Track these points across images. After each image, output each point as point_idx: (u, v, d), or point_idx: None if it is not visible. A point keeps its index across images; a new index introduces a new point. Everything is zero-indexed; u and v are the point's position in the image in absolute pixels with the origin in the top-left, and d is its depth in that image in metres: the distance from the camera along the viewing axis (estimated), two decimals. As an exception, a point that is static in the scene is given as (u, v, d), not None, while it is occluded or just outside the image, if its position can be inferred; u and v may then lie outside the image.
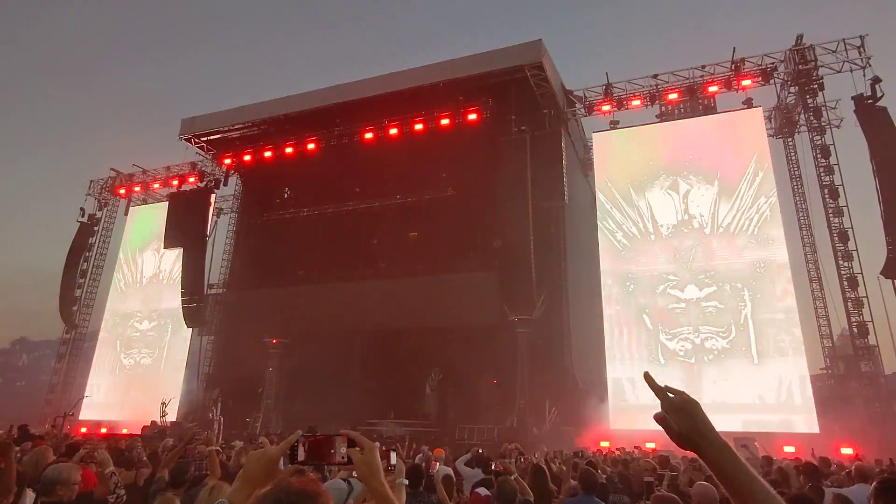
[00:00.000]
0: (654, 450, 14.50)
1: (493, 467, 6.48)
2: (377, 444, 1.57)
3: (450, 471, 6.40)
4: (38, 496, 3.52)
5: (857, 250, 19.56)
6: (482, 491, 5.37)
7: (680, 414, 1.23)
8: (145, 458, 7.13)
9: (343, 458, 1.53)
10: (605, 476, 6.91)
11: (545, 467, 6.38)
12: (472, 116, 23.12)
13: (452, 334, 23.55)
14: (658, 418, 1.23)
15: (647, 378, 1.35)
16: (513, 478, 4.89)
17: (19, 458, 4.79)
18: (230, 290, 28.52)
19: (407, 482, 2.92)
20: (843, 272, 19.69)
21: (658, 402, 1.34)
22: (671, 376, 19.76)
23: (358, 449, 1.52)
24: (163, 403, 24.72)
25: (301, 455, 1.53)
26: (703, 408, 1.27)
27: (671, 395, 1.28)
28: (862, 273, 19.39)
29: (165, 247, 30.09)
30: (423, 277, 24.14)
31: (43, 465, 4.74)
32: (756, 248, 20.58)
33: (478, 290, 22.25)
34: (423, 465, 6.43)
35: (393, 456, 1.86)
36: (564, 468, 7.79)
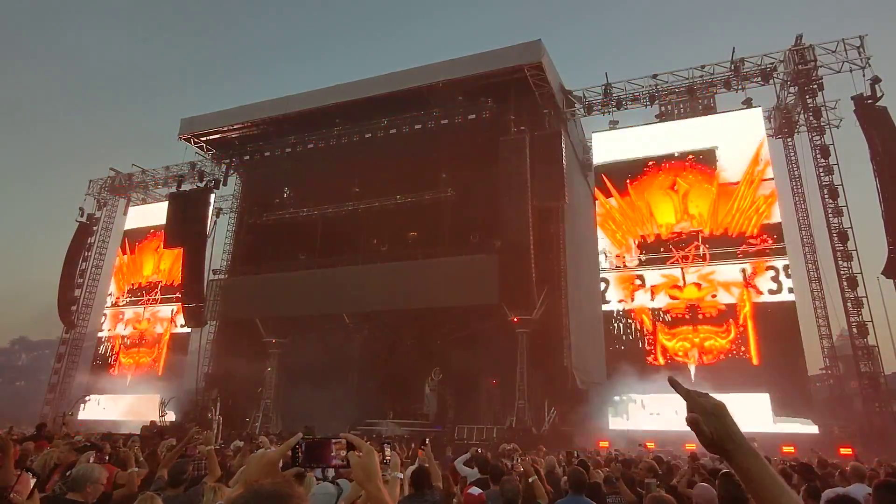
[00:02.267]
0: (652, 450, 14.50)
1: (511, 466, 6.43)
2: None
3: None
4: (62, 491, 3.57)
5: (856, 250, 19.57)
6: (475, 490, 5.34)
7: (710, 418, 1.19)
8: (143, 459, 7.12)
9: (341, 460, 1.52)
10: (604, 475, 6.90)
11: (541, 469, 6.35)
12: (472, 116, 23.11)
13: (452, 327, 23.59)
14: (690, 421, 1.21)
15: (673, 382, 1.32)
16: (531, 480, 4.83)
17: (22, 457, 4.79)
18: (231, 277, 28.45)
19: (401, 476, 2.91)
20: (842, 272, 19.69)
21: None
22: (672, 373, 19.71)
23: (356, 452, 1.51)
24: (162, 403, 24.73)
25: (300, 458, 1.53)
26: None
27: (699, 397, 1.24)
28: (861, 273, 19.42)
29: (165, 247, 30.08)
30: (422, 261, 24.01)
31: (49, 466, 4.76)
32: (755, 247, 20.60)
33: (476, 272, 22.10)
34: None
35: (387, 450, 1.86)
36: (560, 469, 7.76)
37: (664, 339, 20.85)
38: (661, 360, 20.50)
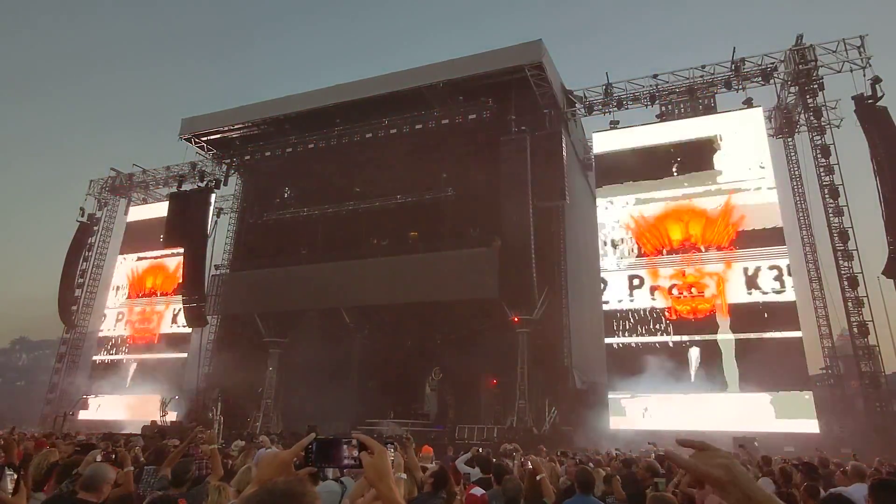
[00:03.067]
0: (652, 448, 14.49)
1: (521, 463, 6.43)
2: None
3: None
4: (74, 491, 3.58)
5: (857, 250, 19.57)
6: (477, 491, 5.34)
7: (729, 487, 1.07)
8: (142, 459, 7.11)
9: (353, 460, 1.53)
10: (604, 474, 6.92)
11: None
12: (472, 116, 23.11)
13: (453, 326, 23.59)
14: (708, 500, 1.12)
15: (671, 456, 1.18)
16: (538, 478, 4.81)
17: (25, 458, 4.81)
18: (232, 272, 28.46)
19: (404, 477, 2.91)
20: (843, 272, 19.70)
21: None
22: (674, 379, 19.78)
23: (368, 452, 1.51)
24: (163, 403, 24.74)
25: (312, 458, 1.53)
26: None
27: (711, 468, 1.09)
28: (862, 272, 19.41)
29: (165, 247, 30.09)
30: (423, 255, 24.00)
31: (45, 465, 4.75)
32: (756, 247, 20.60)
33: (476, 266, 22.04)
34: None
35: (391, 451, 1.87)
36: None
37: (666, 338, 20.88)
38: (662, 360, 20.43)
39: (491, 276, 21.24)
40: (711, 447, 1.14)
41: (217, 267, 28.30)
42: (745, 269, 20.53)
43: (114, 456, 4.74)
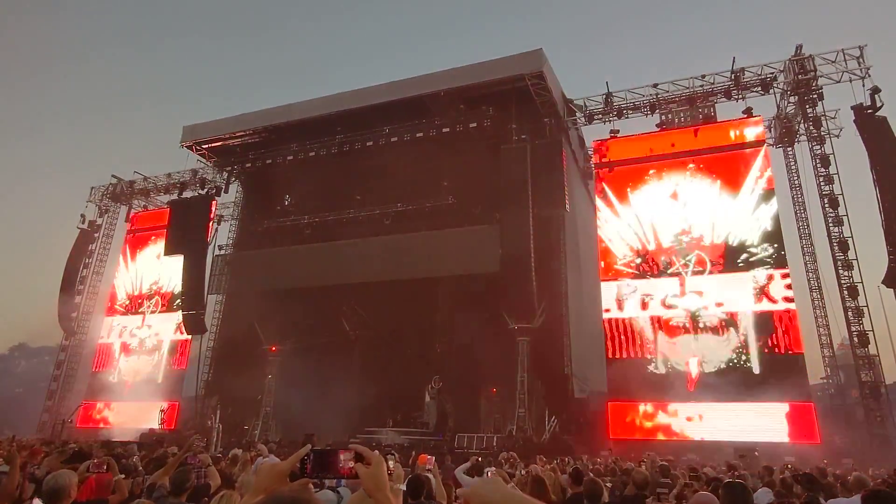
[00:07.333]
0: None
1: (488, 476, 6.43)
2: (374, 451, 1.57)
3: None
4: None
5: (857, 259, 19.58)
6: None
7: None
8: (141, 468, 7.07)
9: (350, 471, 1.53)
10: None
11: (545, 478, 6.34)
12: (473, 125, 23.19)
13: (452, 335, 23.54)
14: None
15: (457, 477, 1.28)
16: (510, 486, 4.80)
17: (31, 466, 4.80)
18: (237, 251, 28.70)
19: (404, 488, 2.89)
20: (843, 281, 19.69)
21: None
22: (673, 389, 19.75)
23: (365, 462, 1.52)
24: (161, 411, 24.68)
25: (308, 468, 1.53)
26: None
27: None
28: (862, 282, 19.41)
29: (166, 254, 30.09)
30: (425, 233, 24.31)
31: (42, 475, 4.74)
32: (756, 257, 20.60)
33: (477, 242, 22.33)
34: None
35: (391, 461, 1.86)
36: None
37: (665, 348, 20.80)
38: (662, 369, 20.43)
39: (492, 251, 21.37)
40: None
41: (221, 248, 28.54)
42: (755, 277, 20.49)
43: (105, 467, 4.72)
